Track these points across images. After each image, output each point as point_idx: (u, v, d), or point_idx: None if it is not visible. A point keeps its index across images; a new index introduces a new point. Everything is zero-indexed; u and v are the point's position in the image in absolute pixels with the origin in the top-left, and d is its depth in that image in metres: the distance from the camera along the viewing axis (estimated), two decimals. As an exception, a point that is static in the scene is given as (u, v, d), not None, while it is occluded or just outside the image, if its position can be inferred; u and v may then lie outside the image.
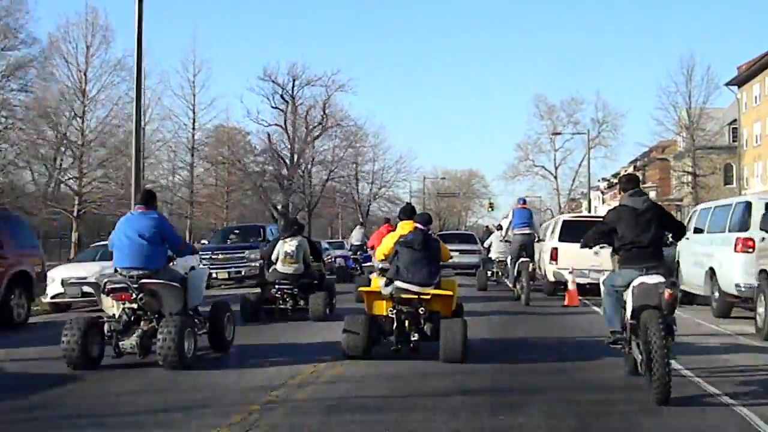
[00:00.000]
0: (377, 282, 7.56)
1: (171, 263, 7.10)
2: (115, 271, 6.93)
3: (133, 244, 6.75)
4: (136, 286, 6.64)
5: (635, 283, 5.56)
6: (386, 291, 6.97)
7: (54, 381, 6.07)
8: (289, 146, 41.75)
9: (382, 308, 7.09)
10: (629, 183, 6.14)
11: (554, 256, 13.96)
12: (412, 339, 6.93)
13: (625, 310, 5.73)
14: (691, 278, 11.64)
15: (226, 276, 18.52)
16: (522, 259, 13.15)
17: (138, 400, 5.35)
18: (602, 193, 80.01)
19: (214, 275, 17.60)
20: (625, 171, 66.72)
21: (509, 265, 14.13)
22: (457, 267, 20.68)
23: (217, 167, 38.19)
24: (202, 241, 23.80)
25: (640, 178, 49.13)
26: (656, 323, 5.14)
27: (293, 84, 42.13)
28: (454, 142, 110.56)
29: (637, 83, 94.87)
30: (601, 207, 74.81)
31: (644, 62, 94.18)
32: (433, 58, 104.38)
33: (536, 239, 14.01)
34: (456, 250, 21.08)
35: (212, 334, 7.27)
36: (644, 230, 5.75)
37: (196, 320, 7.03)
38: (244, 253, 18.84)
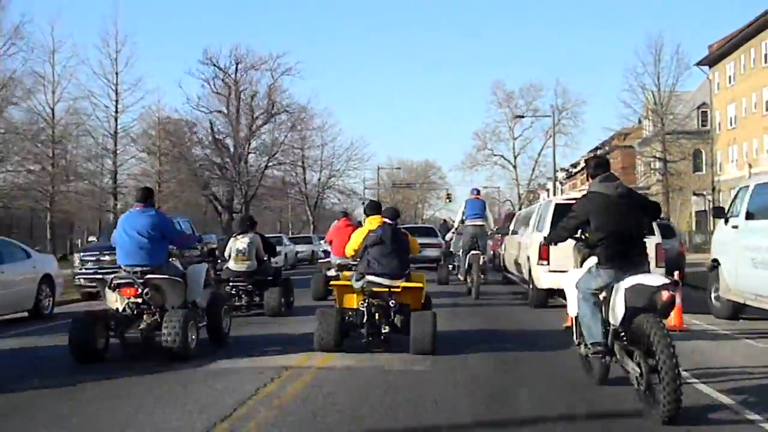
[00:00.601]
0: (347, 275, 8.03)
1: (171, 258, 7.72)
2: (119, 267, 7.56)
3: (134, 241, 7.32)
4: (141, 281, 7.24)
5: (627, 285, 5.03)
6: (357, 285, 7.46)
7: (63, 370, 6.83)
8: (232, 134, 41.24)
9: (352, 301, 7.61)
10: (599, 167, 5.57)
11: (544, 254, 10.87)
12: (383, 331, 7.45)
13: (602, 315, 5.28)
14: (749, 283, 8.86)
15: None
16: (473, 252, 13.54)
17: (143, 388, 5.94)
18: (561, 183, 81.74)
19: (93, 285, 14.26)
20: (585, 159, 68.57)
21: (461, 258, 14.48)
22: (418, 261, 21.89)
23: (149, 155, 37.04)
24: (90, 239, 20.34)
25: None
26: (661, 330, 4.67)
27: (236, 68, 41.63)
28: (409, 131, 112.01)
29: (599, 69, 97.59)
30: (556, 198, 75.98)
31: (606, 46, 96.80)
32: (386, 42, 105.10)
33: (489, 231, 14.43)
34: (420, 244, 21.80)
35: (210, 327, 7.92)
36: (623, 220, 5.25)
37: (196, 314, 7.56)
38: None
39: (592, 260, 5.40)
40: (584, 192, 5.83)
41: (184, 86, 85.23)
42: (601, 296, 5.28)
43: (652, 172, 43.16)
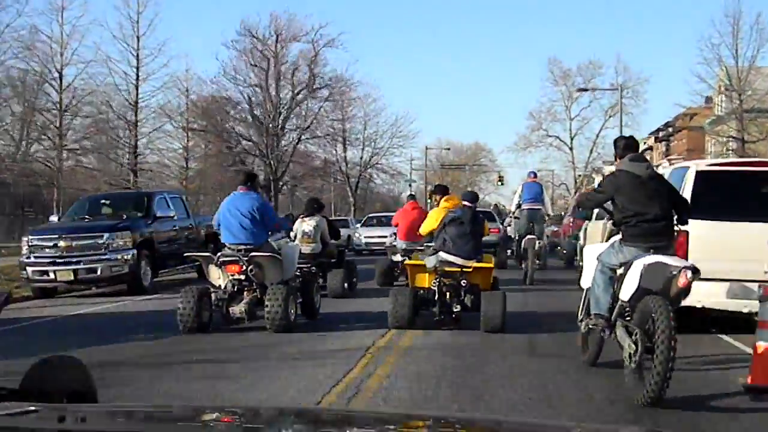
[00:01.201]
0: (417, 256, 8.79)
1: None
2: (223, 246, 8.70)
3: (238, 221, 8.42)
4: (246, 258, 8.29)
5: (647, 261, 5.31)
6: (431, 263, 8.17)
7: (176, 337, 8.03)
8: (270, 109, 40.91)
9: (424, 281, 8.32)
10: (627, 148, 5.82)
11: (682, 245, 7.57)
12: (455, 310, 8.14)
13: (613, 291, 5.61)
14: None
15: (71, 277, 12.71)
16: (529, 237, 13.99)
17: (251, 358, 6.99)
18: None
19: (50, 275, 12.71)
20: (644, 142, 67.93)
21: (516, 243, 15.06)
22: None
23: (175, 129, 36.06)
24: (51, 218, 17.04)
25: (665, 149, 49.19)
26: (666, 312, 4.90)
27: (276, 39, 41.14)
28: (459, 112, 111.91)
29: (664, 44, 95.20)
30: None
31: (673, 19, 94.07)
32: (436, 18, 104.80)
33: (546, 216, 14.91)
34: None
35: (303, 304, 9.00)
36: (650, 201, 5.51)
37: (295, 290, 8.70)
38: (102, 238, 12.82)
39: (618, 236, 5.77)
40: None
41: (215, 57, 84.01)
42: (618, 272, 5.62)
43: (728, 153, 41.65)
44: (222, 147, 39.62)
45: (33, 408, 1.93)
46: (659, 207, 5.51)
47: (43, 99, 31.74)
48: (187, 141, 37.27)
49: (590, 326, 5.86)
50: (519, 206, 14.84)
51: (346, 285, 11.87)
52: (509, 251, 17.74)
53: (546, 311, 10.06)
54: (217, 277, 8.60)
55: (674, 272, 5.17)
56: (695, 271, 5.16)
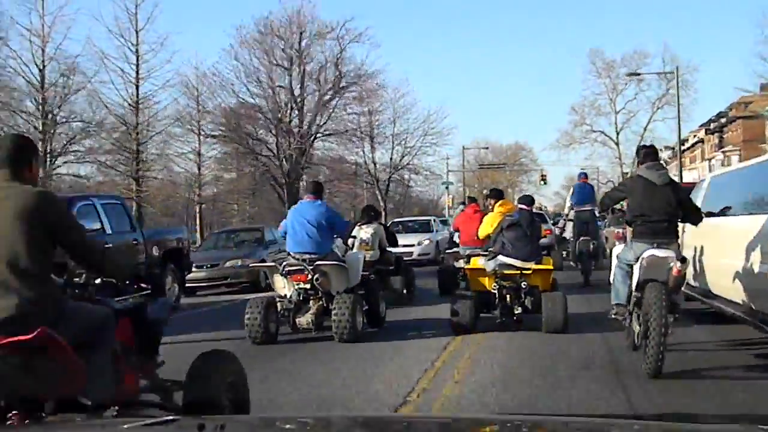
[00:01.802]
0: (477, 261, 9.37)
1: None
2: (288, 254, 9.23)
3: (305, 230, 8.97)
4: (311, 267, 8.78)
5: (645, 255, 6.49)
6: (490, 267, 8.74)
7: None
8: (297, 113, 40.69)
9: (485, 284, 8.87)
10: (648, 156, 6.97)
11: None
12: (516, 312, 8.69)
13: (630, 283, 6.80)
14: None
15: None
16: (583, 238, 14.90)
17: (321, 366, 7.53)
18: (665, 163, 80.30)
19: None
20: (694, 135, 67.47)
21: (572, 245, 15.94)
22: None
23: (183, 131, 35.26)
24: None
25: (718, 141, 48.48)
26: (659, 296, 6.16)
27: (300, 37, 40.66)
28: (497, 111, 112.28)
29: (713, 31, 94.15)
30: None
31: (722, 2, 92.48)
32: (468, 10, 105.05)
33: (597, 216, 15.64)
34: None
35: (368, 312, 9.38)
36: (659, 205, 6.60)
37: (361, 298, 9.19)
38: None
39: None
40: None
41: (234, 57, 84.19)
42: (635, 267, 6.72)
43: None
44: (242, 155, 39.61)
45: (172, 417, 2.13)
46: (664, 211, 6.66)
47: (25, 99, 30.57)
48: (199, 145, 36.97)
49: (613, 315, 7.10)
50: (571, 208, 15.65)
51: (404, 292, 12.66)
52: (564, 253, 18.21)
53: (604, 310, 10.52)
54: (282, 286, 9.15)
55: (670, 263, 6.44)
56: (683, 261, 6.50)
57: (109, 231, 12.19)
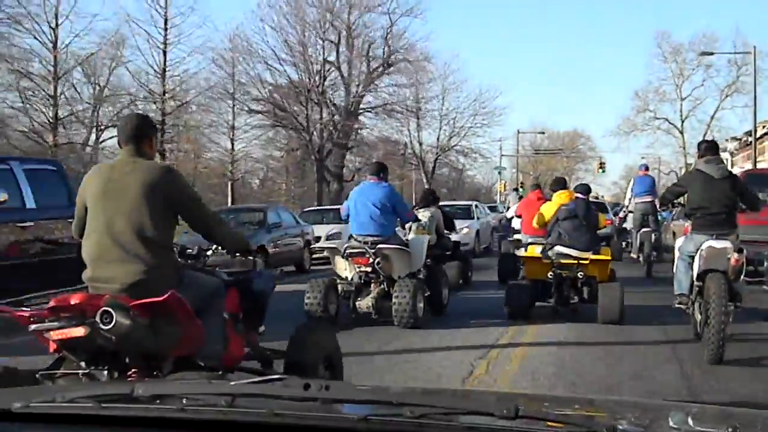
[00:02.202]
0: (534, 249, 9.70)
1: None
2: (350, 237, 9.48)
3: (368, 212, 9.18)
4: (373, 251, 9.03)
5: (704, 246, 7.13)
6: (547, 256, 9.09)
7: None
8: (343, 90, 40.34)
9: (541, 272, 9.27)
10: (708, 150, 7.61)
11: None
12: (572, 301, 9.05)
13: (692, 274, 7.37)
14: None
15: None
16: (644, 230, 15.46)
17: (382, 349, 7.82)
18: (731, 155, 78.15)
19: None
20: (763, 126, 65.94)
21: (632, 236, 16.55)
22: None
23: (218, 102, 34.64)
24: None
25: (755, 162, 47.34)
26: (719, 286, 6.78)
27: (349, 10, 40.02)
28: (555, 96, 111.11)
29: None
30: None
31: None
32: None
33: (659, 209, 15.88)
34: None
35: (431, 298, 9.58)
36: (717, 198, 7.26)
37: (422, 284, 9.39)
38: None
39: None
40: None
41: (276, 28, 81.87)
42: (696, 258, 7.29)
43: None
44: (286, 131, 39.09)
45: (279, 376, 2.27)
46: (722, 203, 7.29)
47: (36, 61, 29.46)
48: (233, 118, 36.43)
49: (676, 304, 7.63)
50: (631, 200, 16.24)
51: (460, 281, 13.07)
52: (624, 243, 18.77)
53: (662, 304, 10.80)
54: (344, 268, 9.39)
55: (729, 254, 7.02)
56: (741, 251, 7.04)
57: (31, 205, 9.34)
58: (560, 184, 11.25)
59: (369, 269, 9.12)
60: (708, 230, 7.28)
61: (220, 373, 4.17)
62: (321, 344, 4.74)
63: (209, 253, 4.72)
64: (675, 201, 8.28)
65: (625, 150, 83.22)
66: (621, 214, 19.60)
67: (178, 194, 4.18)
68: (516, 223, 14.36)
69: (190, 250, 4.68)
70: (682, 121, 59.55)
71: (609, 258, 9.70)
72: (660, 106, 60.00)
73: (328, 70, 40.06)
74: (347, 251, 9.21)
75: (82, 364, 3.84)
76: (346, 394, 1.93)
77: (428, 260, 12.73)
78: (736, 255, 7.02)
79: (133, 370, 3.82)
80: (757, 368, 6.95)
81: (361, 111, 41.31)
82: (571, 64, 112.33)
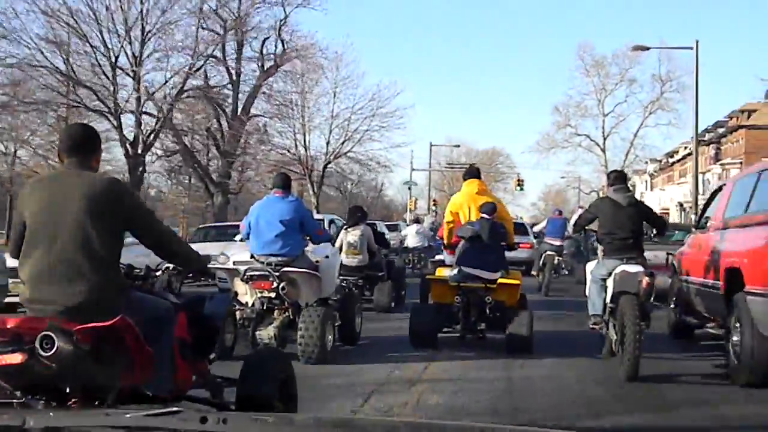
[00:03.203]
0: (442, 271, 9.87)
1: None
2: (252, 257, 9.10)
3: (273, 229, 8.83)
4: (277, 274, 8.71)
5: (617, 271, 8.31)
6: (453, 277, 9.22)
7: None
8: (231, 89, 38.82)
9: (448, 296, 9.41)
10: (617, 180, 8.95)
11: None
12: (479, 328, 9.25)
13: (605, 295, 8.53)
14: None
15: None
16: (548, 252, 18.98)
17: None
18: (650, 177, 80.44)
19: None
20: (685, 147, 68.73)
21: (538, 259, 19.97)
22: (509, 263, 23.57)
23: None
24: None
25: (714, 154, 50.35)
26: (632, 307, 7.91)
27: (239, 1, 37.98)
28: (474, 114, 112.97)
29: (714, 29, 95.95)
30: (648, 194, 74.78)
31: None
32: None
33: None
34: None
35: (342, 326, 9.47)
36: (625, 224, 8.48)
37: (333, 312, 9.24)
38: None
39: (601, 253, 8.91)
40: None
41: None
42: (608, 281, 8.46)
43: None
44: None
45: (176, 409, 2.26)
46: (630, 229, 8.48)
47: None
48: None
49: (591, 325, 8.75)
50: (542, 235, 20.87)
51: (393, 303, 13.42)
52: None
53: (571, 329, 11.23)
54: (244, 293, 8.99)
55: (639, 278, 8.14)
56: (651, 275, 8.19)
57: None
58: (472, 173, 10.86)
59: (272, 295, 8.78)
60: (618, 254, 8.42)
61: (164, 404, 4.09)
62: (275, 373, 4.76)
63: (158, 273, 4.76)
64: (587, 227, 9.29)
65: (544, 167, 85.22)
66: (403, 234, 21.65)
67: (127, 208, 4.22)
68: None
69: (138, 270, 4.69)
70: (604, 139, 61.48)
71: (519, 282, 9.97)
72: (581, 122, 61.93)
73: (213, 66, 38.16)
74: (248, 274, 8.84)
75: (17, 393, 3.72)
76: (245, 428, 1.98)
77: (360, 281, 13.30)
78: (647, 278, 8.14)
79: (73, 399, 3.73)
80: (671, 383, 7.98)
81: (252, 115, 39.87)
82: (490, 82, 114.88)
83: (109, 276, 4.06)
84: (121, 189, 4.29)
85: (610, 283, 8.35)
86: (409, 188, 56.88)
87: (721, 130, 61.89)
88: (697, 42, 29.93)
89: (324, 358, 8.45)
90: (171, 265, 4.75)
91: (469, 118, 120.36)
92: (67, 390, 3.73)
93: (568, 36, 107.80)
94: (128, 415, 2.12)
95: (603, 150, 61.19)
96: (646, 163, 70.79)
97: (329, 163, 42.44)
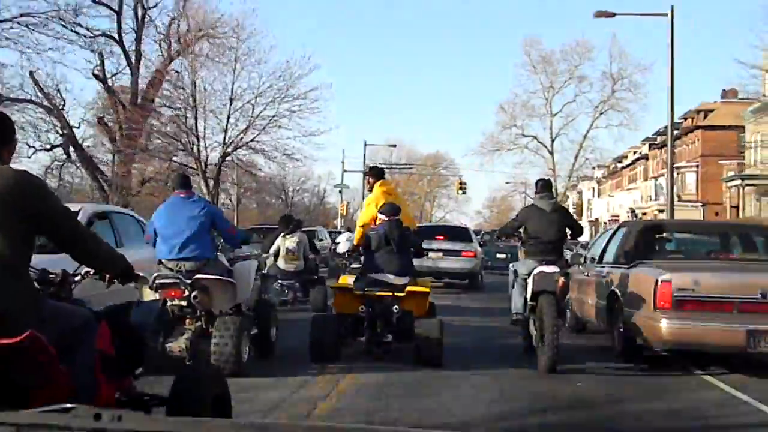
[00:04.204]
0: (346, 279, 10.11)
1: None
2: (160, 263, 9.11)
3: (180, 232, 8.94)
4: (188, 281, 8.73)
5: (535, 271, 9.79)
6: (358, 286, 9.45)
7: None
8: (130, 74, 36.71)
9: (351, 306, 9.72)
10: (544, 188, 10.68)
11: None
12: (385, 340, 9.54)
13: (526, 294, 10.03)
14: None
15: None
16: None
17: None
18: (597, 183, 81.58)
19: None
20: (635, 151, 70.09)
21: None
22: (446, 274, 23.77)
23: None
24: None
25: (671, 154, 52.03)
26: (550, 305, 9.46)
27: None
28: (414, 116, 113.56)
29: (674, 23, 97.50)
30: (596, 201, 75.95)
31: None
32: None
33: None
34: (444, 251, 23.55)
35: (258, 337, 9.73)
36: (548, 229, 10.10)
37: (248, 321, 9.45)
38: None
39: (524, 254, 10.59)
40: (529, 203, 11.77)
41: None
42: (529, 281, 9.90)
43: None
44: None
45: (69, 406, 2.23)
46: (552, 233, 10.10)
47: None
48: None
49: (512, 321, 10.45)
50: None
51: (326, 304, 14.93)
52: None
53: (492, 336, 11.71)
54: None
55: (555, 278, 9.59)
56: (566, 275, 9.91)
57: None
58: (377, 174, 11.41)
59: (183, 303, 8.79)
60: (538, 257, 10.00)
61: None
62: (207, 390, 4.58)
63: (77, 278, 4.64)
64: (514, 233, 10.77)
65: (489, 170, 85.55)
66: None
67: (39, 205, 4.00)
68: None
69: (53, 275, 4.55)
70: (552, 140, 62.24)
71: (428, 290, 10.35)
72: (528, 123, 62.78)
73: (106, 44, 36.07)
74: (157, 281, 8.74)
75: None
76: (140, 425, 2.02)
77: (297, 284, 15.62)
78: (562, 279, 9.75)
79: None
80: (587, 373, 9.74)
81: (157, 105, 37.53)
82: (432, 80, 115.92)
83: (18, 285, 3.87)
84: (32, 184, 4.02)
85: (529, 282, 9.85)
86: (340, 191, 57.13)
87: (675, 132, 63.04)
88: (672, 8, 27.23)
89: (239, 371, 8.57)
90: (91, 270, 4.57)
91: (410, 120, 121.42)
92: None
93: (515, 31, 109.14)
94: (21, 412, 2.13)
95: (551, 152, 61.94)
96: (594, 168, 71.49)
97: (227, 155, 37.88)
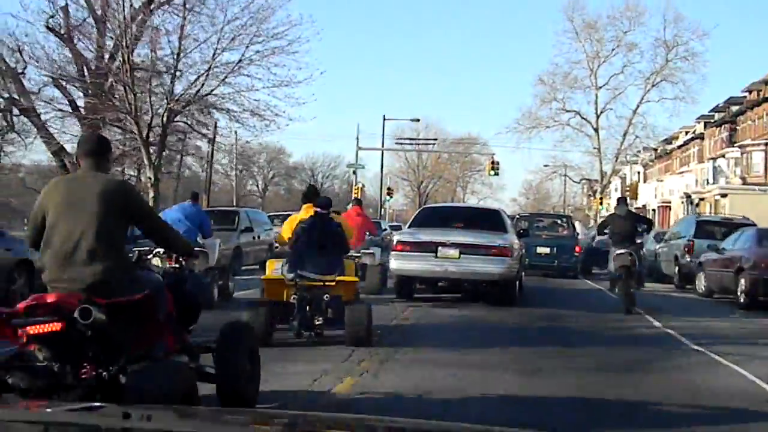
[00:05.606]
0: (273, 266, 12.57)
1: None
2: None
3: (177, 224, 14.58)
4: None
5: (616, 252, 19.67)
6: (290, 277, 11.38)
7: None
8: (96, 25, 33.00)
9: (283, 294, 11.70)
10: (620, 201, 21.33)
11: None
12: (317, 323, 11.44)
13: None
14: None
15: None
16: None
17: None
18: (644, 167, 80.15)
19: None
20: (686, 131, 69.78)
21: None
22: (465, 281, 18.85)
23: None
24: None
25: (728, 136, 54.93)
26: (626, 274, 19.27)
27: None
28: (448, 102, 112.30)
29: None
30: (642, 186, 75.85)
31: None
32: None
33: None
34: (462, 247, 17.60)
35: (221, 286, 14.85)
36: (624, 227, 19.67)
37: None
38: None
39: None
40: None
41: None
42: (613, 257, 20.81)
43: None
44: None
45: (98, 405, 2.61)
46: (626, 230, 19.60)
47: None
48: None
49: (610, 282, 24.18)
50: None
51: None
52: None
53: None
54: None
55: (628, 256, 19.16)
56: (631, 255, 19.02)
57: None
58: (309, 195, 14.19)
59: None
60: (619, 244, 19.34)
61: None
62: (245, 340, 7.28)
63: (149, 256, 7.28)
64: (604, 231, 20.93)
65: (525, 149, 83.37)
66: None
67: (133, 204, 6.48)
68: None
69: (131, 255, 6.92)
70: (597, 116, 60.94)
71: (356, 280, 12.57)
72: (571, 96, 61.23)
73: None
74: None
75: (41, 356, 5.71)
76: (168, 424, 2.32)
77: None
78: (630, 257, 18.82)
79: (85, 365, 5.74)
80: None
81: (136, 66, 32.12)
82: (464, 56, 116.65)
83: (119, 259, 6.17)
84: (128, 189, 6.67)
85: (611, 258, 19.67)
86: (354, 172, 56.52)
87: (735, 108, 61.35)
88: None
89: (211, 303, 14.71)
90: (161, 249, 7.25)
91: (436, 98, 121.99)
92: (90, 354, 5.69)
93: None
94: (50, 410, 2.53)
95: (596, 129, 60.84)
96: (639, 152, 69.32)
97: (176, 114, 33.52)
